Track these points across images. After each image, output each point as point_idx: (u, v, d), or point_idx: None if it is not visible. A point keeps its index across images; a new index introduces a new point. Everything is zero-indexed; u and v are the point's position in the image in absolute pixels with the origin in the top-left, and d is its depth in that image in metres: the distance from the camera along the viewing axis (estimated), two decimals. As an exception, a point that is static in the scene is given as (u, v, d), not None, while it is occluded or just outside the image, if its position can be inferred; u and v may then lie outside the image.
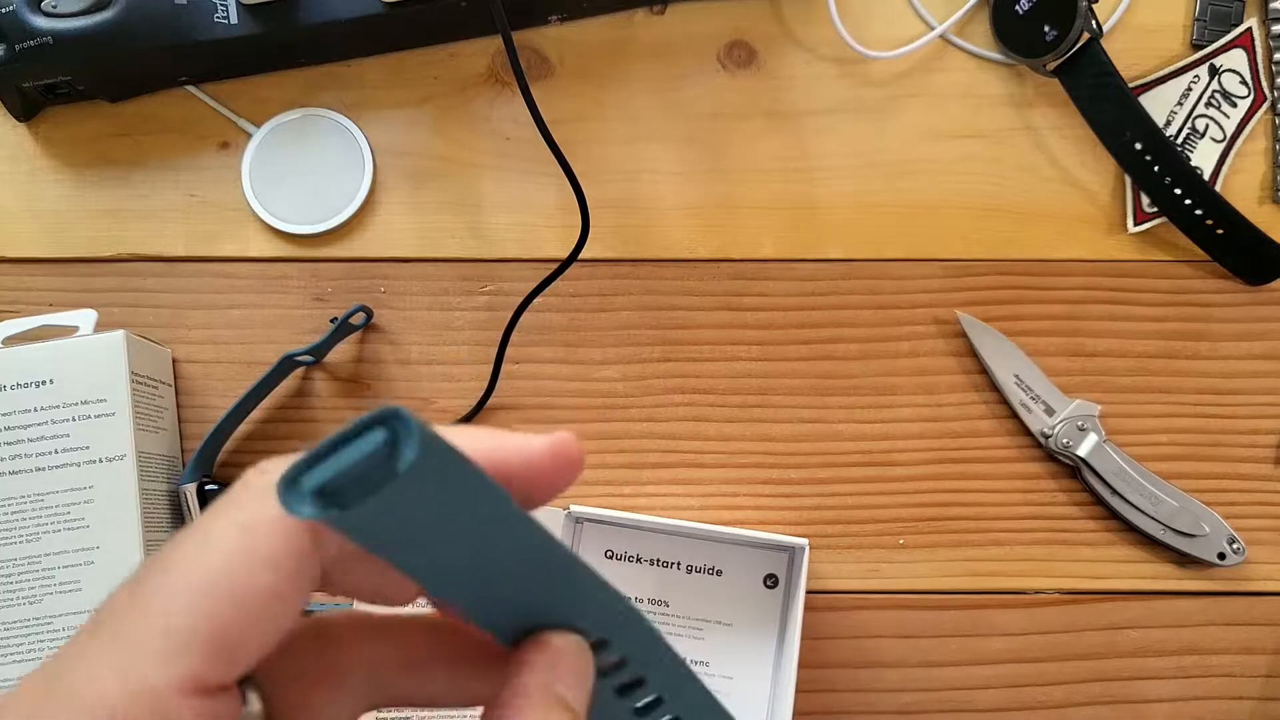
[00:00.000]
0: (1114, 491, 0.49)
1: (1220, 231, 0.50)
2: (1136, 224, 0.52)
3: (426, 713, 0.43)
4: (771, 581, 0.49)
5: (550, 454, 0.22)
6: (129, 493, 0.46)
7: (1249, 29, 0.52)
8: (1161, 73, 0.52)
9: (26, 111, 0.52)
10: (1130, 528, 0.50)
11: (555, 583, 0.21)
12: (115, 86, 0.52)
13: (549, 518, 0.47)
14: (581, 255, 0.48)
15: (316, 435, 0.51)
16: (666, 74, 0.53)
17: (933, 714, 0.50)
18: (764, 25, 0.53)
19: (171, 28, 0.49)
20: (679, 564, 0.49)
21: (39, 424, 0.46)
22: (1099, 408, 0.50)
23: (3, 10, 0.48)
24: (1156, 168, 0.50)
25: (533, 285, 0.49)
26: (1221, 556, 0.49)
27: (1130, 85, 0.52)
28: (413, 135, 0.53)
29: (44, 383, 0.46)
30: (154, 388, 0.49)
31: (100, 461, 0.46)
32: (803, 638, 0.46)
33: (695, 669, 0.49)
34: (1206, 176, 0.52)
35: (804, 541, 0.46)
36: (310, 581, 0.21)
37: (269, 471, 0.22)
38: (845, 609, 0.50)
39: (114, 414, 0.46)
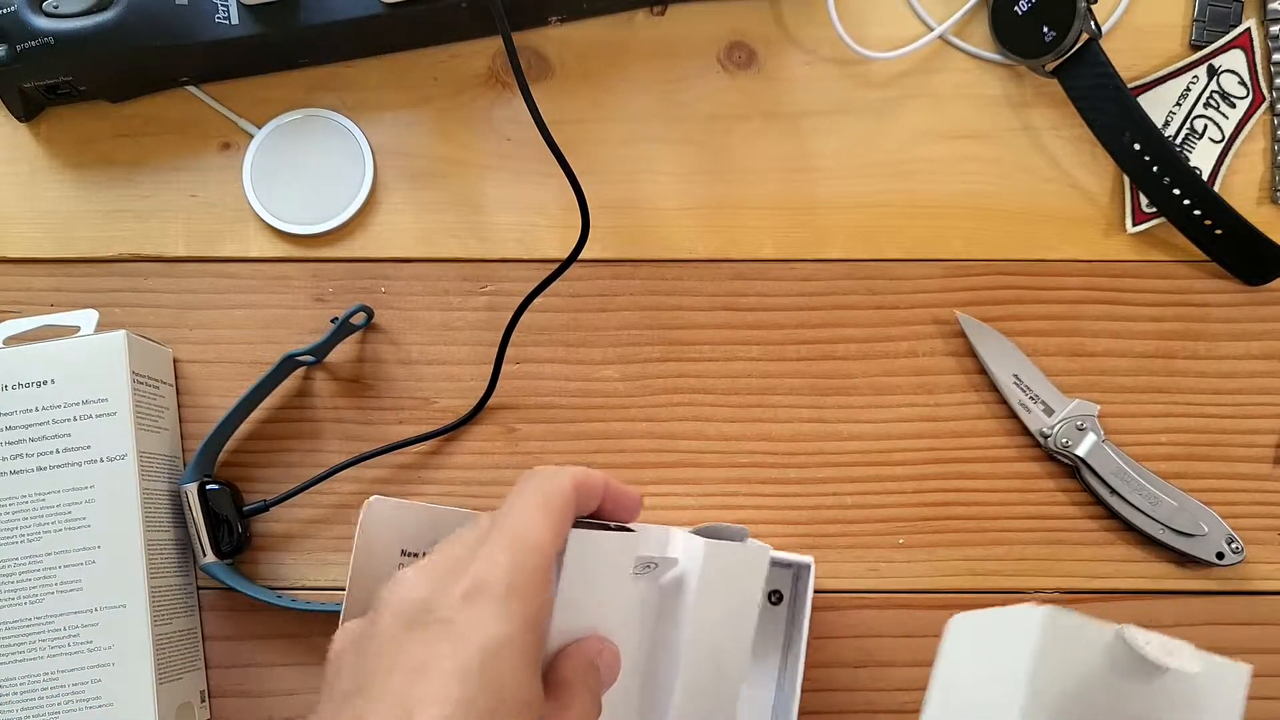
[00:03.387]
0: (1113, 491, 0.49)
1: (1219, 232, 0.50)
2: (1135, 224, 0.52)
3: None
4: (776, 598, 0.49)
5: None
6: (130, 492, 0.46)
7: (1248, 30, 0.52)
8: (1160, 73, 0.52)
9: (28, 112, 0.52)
10: (1129, 527, 0.50)
11: None
12: (116, 87, 0.52)
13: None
14: (581, 255, 0.48)
15: (317, 435, 0.51)
16: (667, 75, 0.53)
17: (932, 713, 0.50)
18: (764, 26, 0.53)
19: (172, 28, 0.49)
20: None
21: (40, 424, 0.46)
22: (1098, 407, 0.50)
23: (4, 10, 0.48)
24: (1155, 168, 0.50)
25: (533, 285, 0.49)
26: (1220, 556, 0.49)
27: (1129, 86, 0.52)
28: (413, 136, 0.53)
29: (45, 382, 0.46)
30: (155, 387, 0.49)
31: (101, 461, 0.46)
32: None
33: None
34: (1205, 177, 0.52)
35: (809, 559, 0.46)
36: None
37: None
38: (845, 608, 0.50)
39: (115, 414, 0.46)
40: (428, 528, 0.42)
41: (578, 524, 0.37)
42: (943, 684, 0.38)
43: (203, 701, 0.49)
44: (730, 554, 0.41)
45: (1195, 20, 0.53)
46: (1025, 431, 0.51)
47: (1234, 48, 0.52)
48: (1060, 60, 0.50)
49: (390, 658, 0.31)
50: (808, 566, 0.46)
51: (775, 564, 0.49)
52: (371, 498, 0.42)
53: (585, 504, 0.36)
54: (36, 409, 0.46)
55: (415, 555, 0.42)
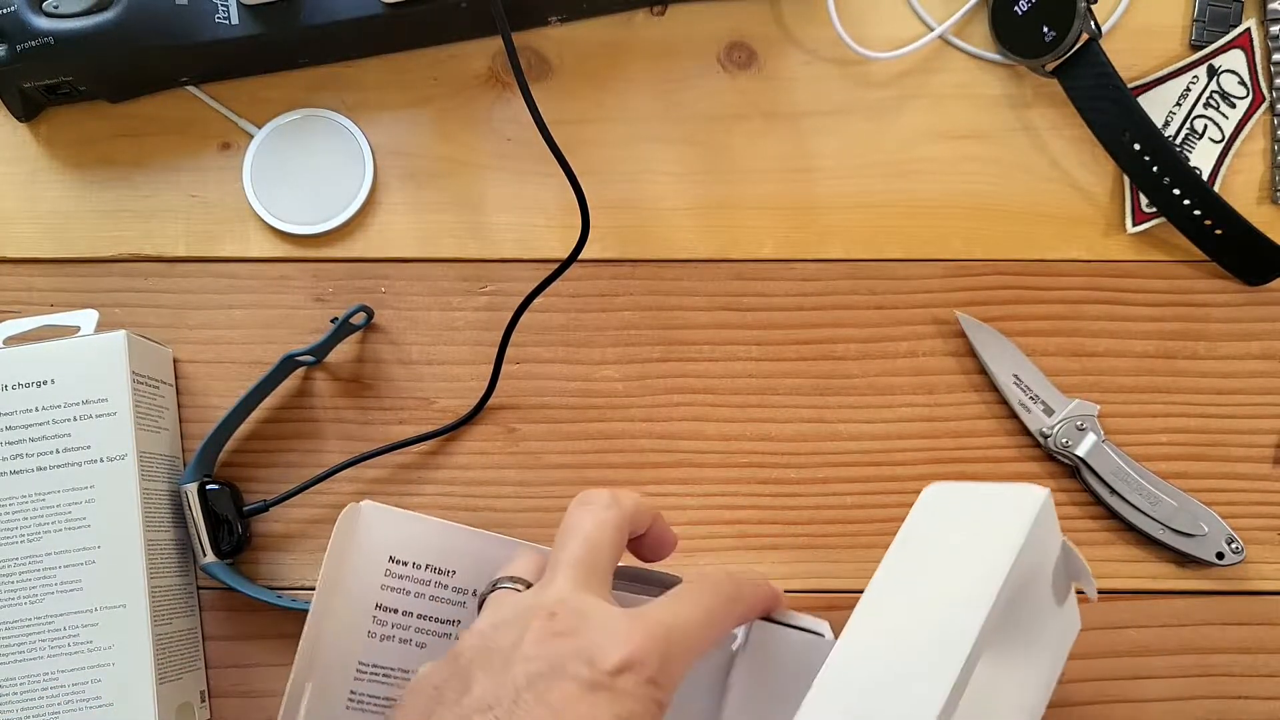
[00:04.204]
0: (1113, 491, 0.49)
1: (1219, 232, 0.50)
2: (1135, 224, 0.52)
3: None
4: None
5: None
6: (130, 492, 0.46)
7: (1248, 30, 0.52)
8: (1160, 73, 0.52)
9: (28, 112, 0.52)
10: (1129, 527, 0.50)
11: None
12: (116, 87, 0.52)
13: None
14: (582, 255, 0.48)
15: (317, 435, 0.51)
16: (667, 75, 0.53)
17: (932, 713, 0.50)
18: (764, 26, 0.53)
19: (172, 28, 0.49)
20: None
21: (40, 424, 0.46)
22: (1098, 407, 0.50)
23: (4, 10, 0.48)
24: (1155, 168, 0.50)
25: (533, 285, 0.49)
26: (1220, 556, 0.49)
27: (1129, 86, 0.52)
28: (413, 136, 0.53)
29: (45, 382, 0.46)
30: (155, 387, 0.49)
31: (101, 461, 0.46)
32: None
33: None
34: (1205, 177, 0.52)
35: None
36: None
37: None
38: (845, 609, 0.50)
39: (115, 414, 0.46)
40: (420, 538, 0.42)
41: (620, 571, 0.38)
42: (908, 543, 0.39)
43: (203, 701, 0.49)
44: (785, 642, 0.40)
45: (1195, 20, 0.53)
46: (1025, 431, 0.51)
47: (1234, 48, 0.52)
48: (1060, 60, 0.51)
49: (527, 692, 0.32)
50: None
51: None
52: (363, 502, 0.41)
53: (751, 614, 0.39)
54: (36, 409, 0.46)
55: (405, 564, 0.42)
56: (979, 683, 0.38)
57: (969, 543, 0.37)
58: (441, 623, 0.42)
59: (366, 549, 0.41)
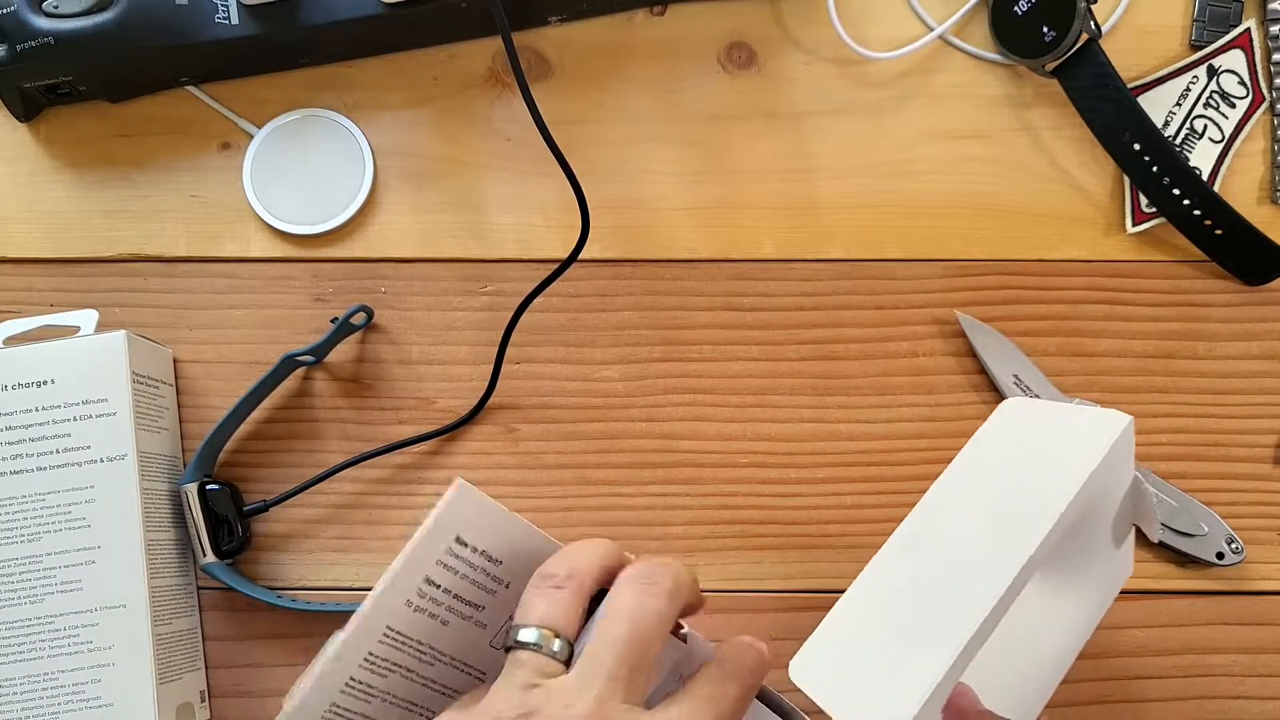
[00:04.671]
0: (1113, 491, 0.50)
1: (1219, 232, 0.50)
2: (1135, 224, 0.52)
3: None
4: None
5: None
6: (130, 492, 0.46)
7: (1247, 30, 0.52)
8: (1160, 73, 0.52)
9: (28, 112, 0.52)
10: (1129, 527, 0.50)
11: None
12: (116, 87, 0.52)
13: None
14: (581, 255, 0.48)
15: (317, 435, 0.51)
16: (667, 75, 0.53)
17: (932, 713, 0.50)
18: (764, 26, 0.53)
19: (172, 28, 0.49)
20: None
21: (40, 424, 0.46)
22: (1098, 408, 0.50)
23: (4, 10, 0.48)
24: (1155, 168, 0.50)
25: (533, 285, 0.49)
26: (1220, 556, 0.49)
27: (1129, 86, 0.52)
28: (413, 136, 0.53)
29: (45, 383, 0.46)
30: (155, 387, 0.49)
31: (101, 461, 0.46)
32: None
33: None
34: (1205, 177, 0.52)
35: None
36: None
37: None
38: (845, 608, 0.50)
39: (115, 414, 0.46)
40: (490, 527, 0.41)
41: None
42: (978, 449, 0.38)
43: (203, 701, 0.49)
44: None
45: (1195, 20, 0.53)
46: (1025, 431, 0.51)
47: (1234, 48, 0.52)
48: (1060, 60, 0.51)
49: None
50: None
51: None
52: (458, 479, 0.41)
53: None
54: (36, 409, 0.46)
55: (467, 546, 0.41)
56: (1025, 606, 0.37)
57: (1043, 456, 0.36)
58: (468, 604, 0.42)
59: (438, 523, 0.40)
